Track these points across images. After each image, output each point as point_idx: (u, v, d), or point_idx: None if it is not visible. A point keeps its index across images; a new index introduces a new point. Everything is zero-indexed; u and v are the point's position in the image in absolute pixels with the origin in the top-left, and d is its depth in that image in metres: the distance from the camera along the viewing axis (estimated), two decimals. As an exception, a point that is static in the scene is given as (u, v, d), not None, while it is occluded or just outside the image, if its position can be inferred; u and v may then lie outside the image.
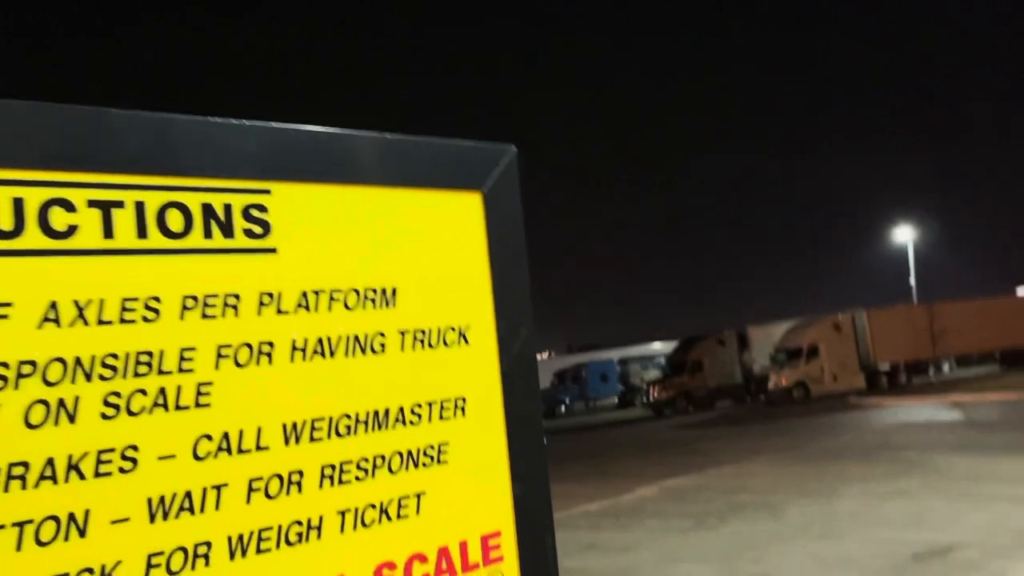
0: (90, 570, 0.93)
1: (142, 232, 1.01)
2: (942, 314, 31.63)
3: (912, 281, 44.47)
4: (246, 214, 1.10)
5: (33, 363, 0.92)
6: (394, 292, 1.22)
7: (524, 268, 1.36)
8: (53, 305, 0.94)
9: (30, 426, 0.91)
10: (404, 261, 1.24)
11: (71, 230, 0.97)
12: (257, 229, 1.11)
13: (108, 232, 0.99)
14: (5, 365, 0.90)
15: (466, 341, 1.29)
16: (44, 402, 0.92)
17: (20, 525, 0.89)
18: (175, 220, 1.04)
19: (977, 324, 32.24)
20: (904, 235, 46.61)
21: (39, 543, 0.90)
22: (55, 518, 0.91)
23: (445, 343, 1.27)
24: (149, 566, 0.97)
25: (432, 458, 1.23)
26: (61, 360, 0.94)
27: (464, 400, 1.28)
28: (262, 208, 1.11)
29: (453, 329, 1.28)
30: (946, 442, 15.32)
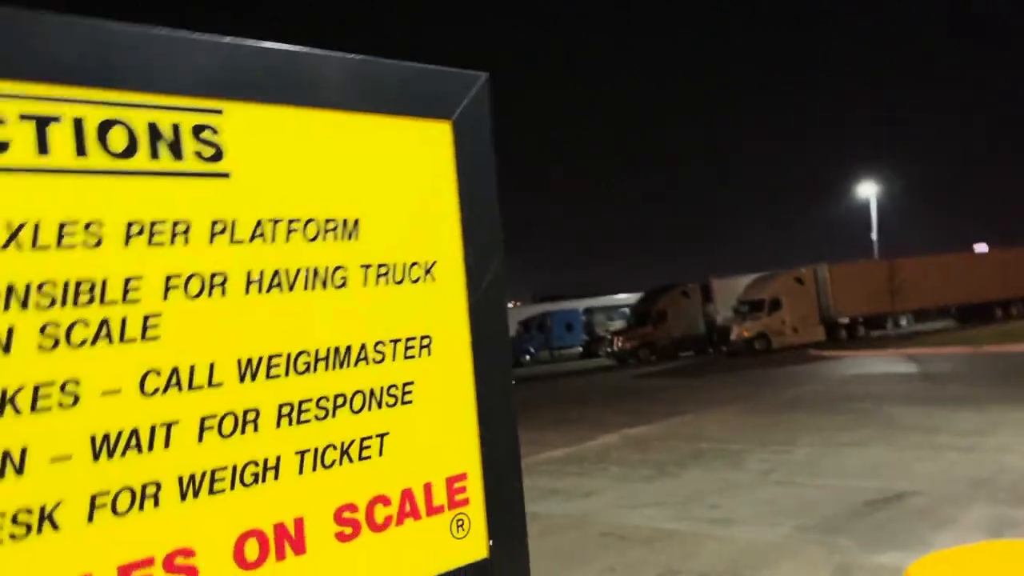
0: (28, 510, 0.87)
1: (81, 150, 0.93)
2: (901, 269, 32.19)
3: (874, 236, 45.12)
4: (196, 135, 1.02)
5: (-41, 289, 0.85)
6: (356, 224, 1.16)
7: (494, 202, 1.30)
8: (-20, 226, 0.86)
9: (-43, 356, 0.84)
10: (367, 192, 1.17)
11: (1, 146, 0.88)
12: (208, 151, 1.03)
13: (43, 148, 0.91)
14: (-73, 290, 0.83)
15: (432, 277, 1.24)
16: None
17: (-52, 462, 0.83)
18: (118, 139, 0.96)
19: (935, 279, 32.91)
20: (867, 190, 47.12)
21: (-30, 481, 0.84)
22: (-12, 454, 0.85)
23: (411, 279, 1.21)
24: (93, 506, 0.91)
25: (396, 398, 1.18)
26: (-9, 286, 0.86)
27: (430, 339, 1.23)
28: (214, 129, 1.03)
29: (418, 264, 1.22)
30: (901, 394, 15.71)
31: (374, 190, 1.18)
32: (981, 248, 39.15)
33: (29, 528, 0.87)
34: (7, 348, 0.87)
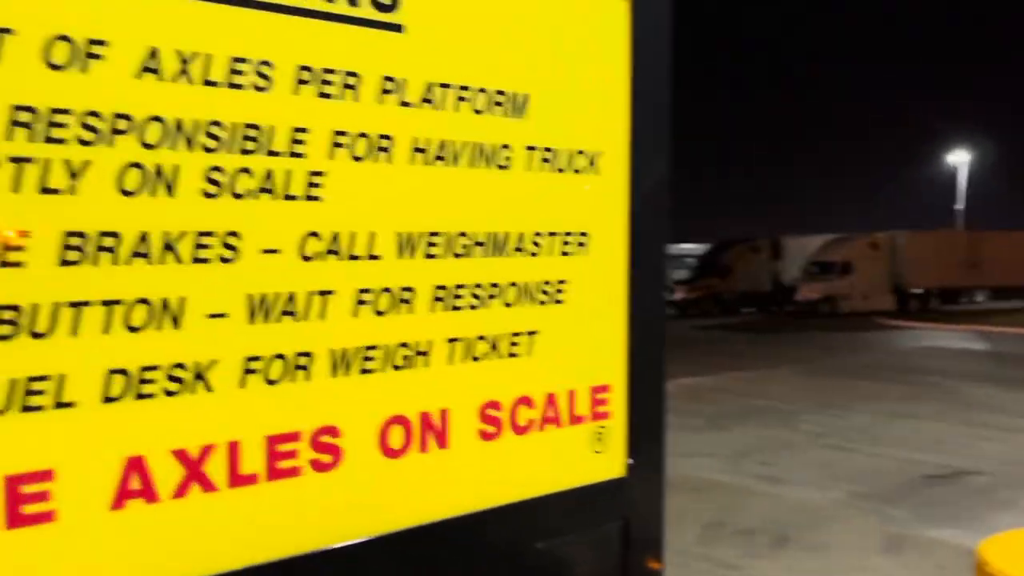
0: (183, 366, 0.81)
1: (256, -21, 0.84)
2: (983, 243, 30.88)
3: (958, 207, 43.19)
4: None
5: (129, 118, 0.78)
6: (525, 101, 1.05)
7: (667, 92, 1.18)
8: (154, 53, 0.78)
9: (124, 192, 0.78)
10: (538, 67, 1.06)
11: None
12: (385, -1, 0.93)
13: (218, -26, 0.82)
14: (98, 115, 0.76)
15: (596, 169, 1.13)
16: (140, 166, 0.78)
17: (108, 304, 0.77)
18: (294, -29, 0.87)
19: (1016, 257, 31.51)
20: (958, 158, 44.95)
21: (129, 328, 0.78)
22: (147, 302, 0.79)
23: (573, 168, 1.11)
24: (246, 371, 0.85)
25: (549, 296, 1.09)
26: (160, 120, 0.79)
27: (587, 236, 1.13)
28: (392, -25, 0.93)
29: (584, 153, 1.12)
30: (970, 371, 15.20)
31: (545, 66, 1.07)
32: (1071, 230, 37.27)
33: (183, 385, 0.81)
34: (171, 189, 0.80)
